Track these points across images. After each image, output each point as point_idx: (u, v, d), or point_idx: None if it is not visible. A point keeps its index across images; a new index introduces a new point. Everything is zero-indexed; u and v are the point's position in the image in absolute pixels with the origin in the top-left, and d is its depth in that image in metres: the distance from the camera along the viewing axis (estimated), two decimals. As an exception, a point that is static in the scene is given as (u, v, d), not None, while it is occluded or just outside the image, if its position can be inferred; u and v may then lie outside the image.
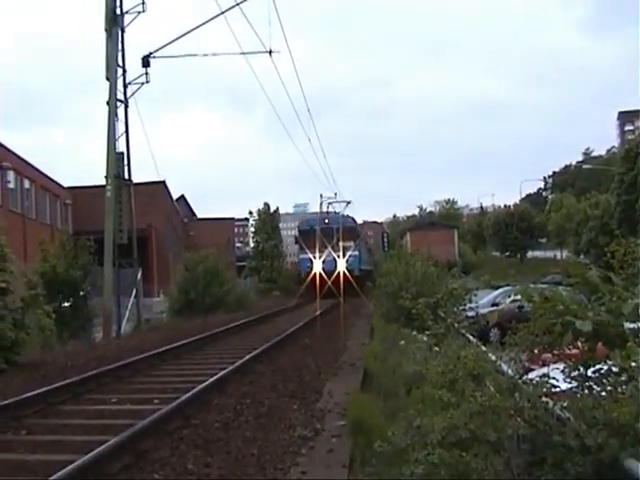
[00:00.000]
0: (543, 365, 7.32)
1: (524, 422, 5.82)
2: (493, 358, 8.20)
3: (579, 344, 6.52)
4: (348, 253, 45.54)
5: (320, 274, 39.55)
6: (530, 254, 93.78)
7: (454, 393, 6.66)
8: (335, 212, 53.96)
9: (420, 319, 16.41)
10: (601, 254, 8.88)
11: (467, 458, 5.34)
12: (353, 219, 53.85)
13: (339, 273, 39.02)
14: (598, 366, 6.17)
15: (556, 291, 7.29)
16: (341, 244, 45.23)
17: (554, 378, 6.33)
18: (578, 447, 5.15)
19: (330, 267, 41.86)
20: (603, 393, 5.87)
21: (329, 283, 38.33)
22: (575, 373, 6.22)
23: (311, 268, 42.70)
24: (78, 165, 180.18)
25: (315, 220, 51.17)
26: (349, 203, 55.51)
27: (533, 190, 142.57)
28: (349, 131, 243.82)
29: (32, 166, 43.98)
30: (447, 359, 7.40)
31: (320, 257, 43.35)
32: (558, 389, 6.21)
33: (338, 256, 43.73)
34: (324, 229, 47.95)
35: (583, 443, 5.14)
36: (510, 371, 6.66)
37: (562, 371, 6.40)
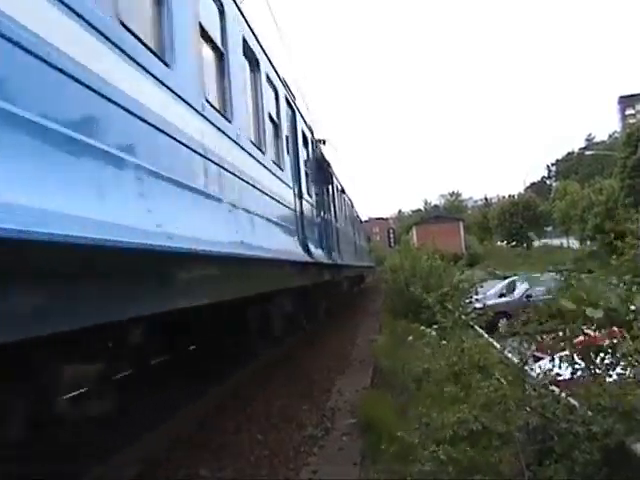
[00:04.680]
0: (551, 354, 7.34)
1: (532, 411, 5.85)
2: (499, 348, 8.23)
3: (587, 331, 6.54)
4: None
5: None
6: (537, 243, 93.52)
7: (461, 386, 6.69)
8: None
9: (427, 313, 16.41)
10: (608, 240, 8.83)
11: (472, 453, 5.37)
12: None
13: None
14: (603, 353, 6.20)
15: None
16: None
17: (559, 367, 6.36)
18: (585, 434, 5.18)
19: None
20: (608, 379, 5.89)
21: None
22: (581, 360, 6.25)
23: None
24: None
25: None
26: None
27: (537, 179, 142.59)
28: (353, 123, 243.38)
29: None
30: (451, 352, 7.42)
31: None
32: (563, 377, 6.24)
33: None
34: None
35: (590, 430, 5.17)
36: (515, 360, 6.68)
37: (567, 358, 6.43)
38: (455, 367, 6.84)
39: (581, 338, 6.59)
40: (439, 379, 7.31)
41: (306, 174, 14.07)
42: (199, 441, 7.76)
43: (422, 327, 16.18)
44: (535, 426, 5.77)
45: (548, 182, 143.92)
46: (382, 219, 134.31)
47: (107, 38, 4.26)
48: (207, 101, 6.56)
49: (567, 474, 5.04)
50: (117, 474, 6.35)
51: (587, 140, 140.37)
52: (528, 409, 5.89)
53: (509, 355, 7.28)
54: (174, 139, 5.34)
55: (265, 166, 9.41)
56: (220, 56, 7.61)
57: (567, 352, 6.55)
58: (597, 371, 6.06)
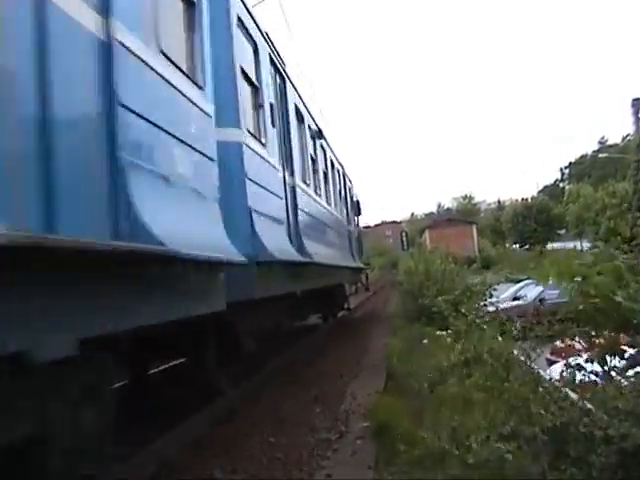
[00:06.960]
0: (565, 357, 7.30)
1: (550, 414, 5.81)
2: (515, 352, 8.21)
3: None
4: None
5: None
6: (550, 246, 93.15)
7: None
8: None
9: (441, 317, 16.32)
10: (621, 242, 8.78)
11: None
12: None
13: None
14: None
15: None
16: None
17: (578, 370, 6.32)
18: (602, 438, 5.13)
19: None
20: (625, 382, 5.85)
21: None
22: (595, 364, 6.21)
23: None
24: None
25: None
26: None
27: (550, 182, 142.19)
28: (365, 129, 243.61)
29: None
30: (464, 349, 7.41)
31: None
32: (578, 380, 6.21)
33: None
34: None
35: (606, 433, 5.12)
36: (528, 363, 6.66)
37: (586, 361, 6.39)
38: (466, 356, 6.82)
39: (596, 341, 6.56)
40: (454, 369, 7.27)
41: None
42: (211, 444, 7.74)
43: (437, 332, 16.13)
44: (551, 429, 5.73)
45: (561, 185, 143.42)
46: (395, 222, 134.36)
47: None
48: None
49: (584, 478, 5.00)
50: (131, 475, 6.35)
51: (600, 143, 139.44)
52: (543, 412, 5.86)
53: (522, 358, 7.26)
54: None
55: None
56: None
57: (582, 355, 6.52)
58: (612, 373, 6.03)
